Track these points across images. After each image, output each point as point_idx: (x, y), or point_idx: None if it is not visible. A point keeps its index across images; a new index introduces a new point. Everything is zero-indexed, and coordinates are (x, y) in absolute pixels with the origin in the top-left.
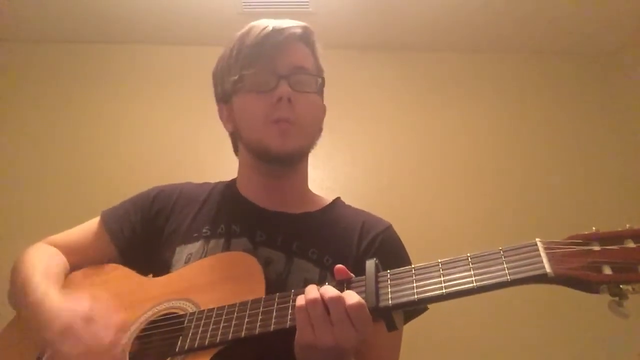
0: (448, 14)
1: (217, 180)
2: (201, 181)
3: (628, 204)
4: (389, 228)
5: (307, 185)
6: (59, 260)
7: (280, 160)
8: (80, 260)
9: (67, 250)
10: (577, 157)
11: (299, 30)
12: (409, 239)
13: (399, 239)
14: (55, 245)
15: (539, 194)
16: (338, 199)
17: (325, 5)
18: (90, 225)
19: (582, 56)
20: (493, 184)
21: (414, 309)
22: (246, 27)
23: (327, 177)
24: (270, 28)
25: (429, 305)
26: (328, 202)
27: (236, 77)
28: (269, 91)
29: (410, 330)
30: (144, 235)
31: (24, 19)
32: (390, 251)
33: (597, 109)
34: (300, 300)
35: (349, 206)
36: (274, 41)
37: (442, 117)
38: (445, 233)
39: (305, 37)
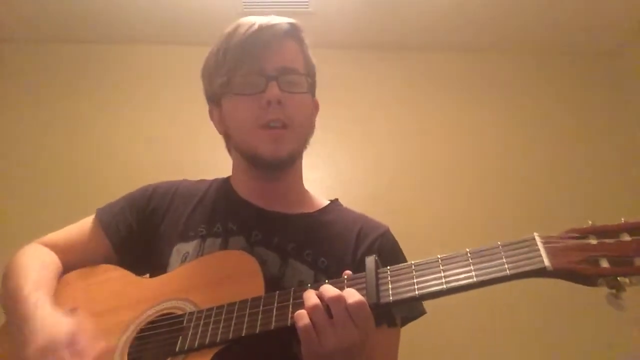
0: (448, 14)
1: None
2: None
3: (627, 202)
4: (386, 232)
5: (302, 185)
6: (52, 265)
7: (273, 166)
8: (75, 259)
9: (62, 249)
10: (577, 156)
11: (286, 27)
12: (409, 238)
13: (397, 242)
14: (50, 245)
15: (540, 192)
16: (336, 200)
17: (325, 5)
18: (85, 223)
19: (583, 56)
20: (493, 184)
21: (411, 315)
22: (233, 25)
23: (327, 177)
24: (256, 26)
25: (427, 308)
26: (325, 204)
27: (224, 79)
28: (257, 93)
29: (410, 331)
30: (140, 234)
31: (24, 19)
32: (388, 255)
33: (598, 109)
34: (303, 318)
35: (347, 208)
36: (261, 40)
37: (442, 117)
38: (445, 233)
39: (294, 33)
